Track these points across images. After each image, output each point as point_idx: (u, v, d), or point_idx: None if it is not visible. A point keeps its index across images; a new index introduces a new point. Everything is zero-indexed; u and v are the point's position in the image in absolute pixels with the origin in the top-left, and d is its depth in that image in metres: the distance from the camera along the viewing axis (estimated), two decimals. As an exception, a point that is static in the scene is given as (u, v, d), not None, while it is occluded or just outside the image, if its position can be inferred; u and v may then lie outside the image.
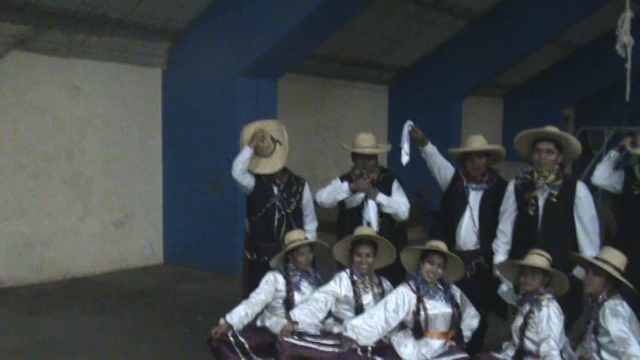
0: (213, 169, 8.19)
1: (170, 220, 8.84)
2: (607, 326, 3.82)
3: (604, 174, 4.92)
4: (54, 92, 7.70)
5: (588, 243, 4.54)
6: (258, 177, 5.16)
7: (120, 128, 8.36)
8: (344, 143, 5.26)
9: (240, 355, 4.30)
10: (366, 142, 5.11)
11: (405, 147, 5.04)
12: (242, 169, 5.04)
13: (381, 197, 5.06)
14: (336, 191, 5.14)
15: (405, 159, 5.04)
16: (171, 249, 8.87)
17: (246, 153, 5.01)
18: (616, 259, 4.05)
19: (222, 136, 8.07)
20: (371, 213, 5.03)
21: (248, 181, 5.12)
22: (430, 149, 5.10)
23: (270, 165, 5.11)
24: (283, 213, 5.14)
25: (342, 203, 5.23)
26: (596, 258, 4.11)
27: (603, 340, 3.87)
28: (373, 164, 5.14)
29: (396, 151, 5.14)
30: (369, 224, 5.00)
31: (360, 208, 5.13)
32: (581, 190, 4.57)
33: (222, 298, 6.73)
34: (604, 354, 3.87)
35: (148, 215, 8.74)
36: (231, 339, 4.31)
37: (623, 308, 3.89)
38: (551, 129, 4.63)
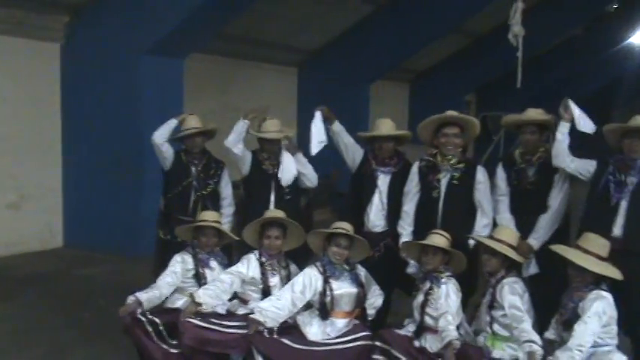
0: (115, 149, 7.93)
1: (70, 202, 8.50)
2: (503, 302, 4.01)
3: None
4: (-60, 65, 7.20)
5: (485, 221, 4.71)
6: (177, 154, 5.22)
7: (14, 105, 7.92)
8: (250, 129, 5.13)
9: (156, 339, 4.19)
10: (273, 127, 5.12)
11: (317, 136, 4.98)
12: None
13: (300, 156, 5.16)
14: (237, 131, 5.03)
15: (315, 148, 4.98)
16: (71, 232, 8.54)
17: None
18: (510, 236, 4.27)
19: (124, 116, 7.82)
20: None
21: (169, 152, 5.21)
22: (338, 127, 5.15)
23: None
24: (199, 194, 5.17)
25: (247, 185, 5.22)
26: (491, 237, 4.31)
27: (497, 313, 4.07)
28: (279, 149, 5.15)
29: (306, 135, 5.11)
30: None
31: (267, 191, 5.11)
32: (481, 175, 4.74)
33: (125, 281, 6.55)
34: (496, 327, 4.07)
35: (46, 197, 8.36)
36: (142, 318, 4.18)
37: (520, 286, 4.10)
38: (454, 113, 4.79)
